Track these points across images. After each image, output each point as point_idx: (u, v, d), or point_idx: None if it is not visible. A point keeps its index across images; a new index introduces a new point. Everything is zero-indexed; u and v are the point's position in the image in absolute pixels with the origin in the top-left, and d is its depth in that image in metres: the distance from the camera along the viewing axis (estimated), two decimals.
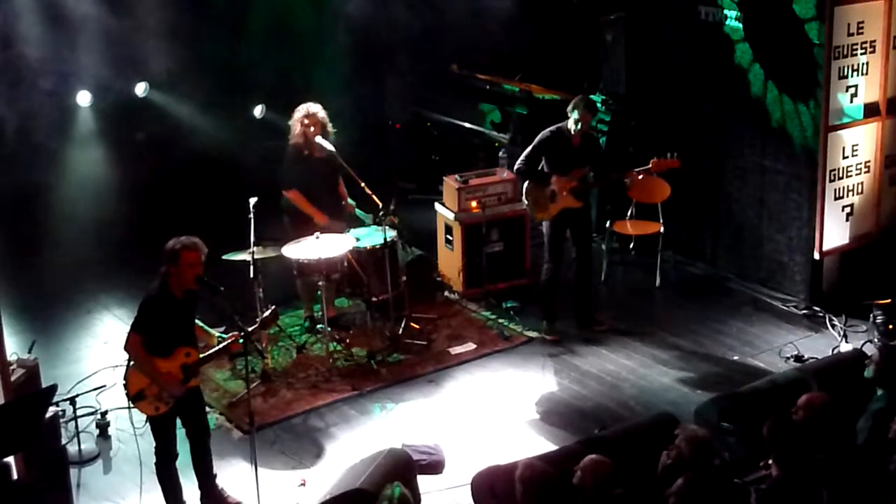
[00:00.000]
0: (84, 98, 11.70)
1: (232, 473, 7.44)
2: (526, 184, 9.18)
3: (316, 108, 8.99)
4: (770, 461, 5.66)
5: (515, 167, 9.26)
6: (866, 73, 9.36)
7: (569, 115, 8.91)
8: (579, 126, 8.86)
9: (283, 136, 9.21)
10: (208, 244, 6.78)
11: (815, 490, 5.45)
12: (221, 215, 9.63)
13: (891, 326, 8.58)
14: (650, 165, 9.08)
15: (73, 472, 7.25)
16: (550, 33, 12.08)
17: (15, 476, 6.56)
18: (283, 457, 7.74)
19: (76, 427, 7.59)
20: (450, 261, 10.25)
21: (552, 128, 9.04)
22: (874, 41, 9.30)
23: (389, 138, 12.94)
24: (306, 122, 8.93)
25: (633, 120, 10.90)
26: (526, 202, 9.24)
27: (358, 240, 9.09)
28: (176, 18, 11.44)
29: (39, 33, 10.95)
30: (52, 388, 6.47)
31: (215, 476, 7.17)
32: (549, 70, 11.96)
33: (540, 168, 9.04)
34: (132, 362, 6.69)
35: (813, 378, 7.01)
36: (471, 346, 9.22)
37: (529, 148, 9.11)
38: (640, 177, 9.16)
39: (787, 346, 9.05)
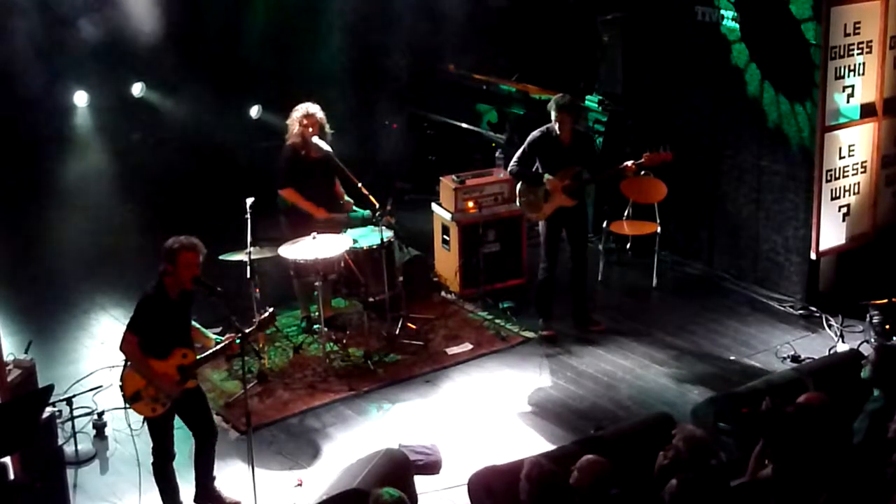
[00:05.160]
0: (81, 98, 11.71)
1: (229, 474, 7.44)
2: (519, 184, 9.20)
3: (314, 109, 8.99)
4: (766, 461, 5.67)
5: (508, 168, 9.28)
6: (863, 74, 9.37)
7: (549, 115, 8.95)
8: (559, 127, 8.88)
9: (280, 137, 9.21)
10: (205, 244, 6.77)
11: (812, 490, 5.45)
12: (218, 215, 9.64)
13: (887, 326, 8.59)
14: (643, 159, 9.07)
15: (69, 472, 7.25)
16: (547, 33, 12.10)
17: (11, 476, 6.54)
18: (280, 457, 7.74)
19: (73, 427, 7.59)
20: (446, 261, 10.25)
21: (541, 128, 9.06)
22: (871, 41, 9.32)
23: (386, 138, 12.94)
24: (304, 122, 8.92)
25: (629, 120, 10.90)
26: (520, 203, 9.25)
27: (355, 241, 9.08)
28: (172, 19, 11.45)
29: (36, 33, 10.97)
30: (49, 389, 6.45)
31: (214, 478, 7.16)
32: (546, 70, 11.98)
33: (535, 168, 9.06)
34: (128, 363, 6.70)
35: (809, 378, 7.01)
36: (467, 346, 9.22)
37: (521, 149, 9.14)
38: (633, 168, 9.07)
39: (784, 347, 9.05)
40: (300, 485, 7.41)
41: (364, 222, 9.35)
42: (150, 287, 6.69)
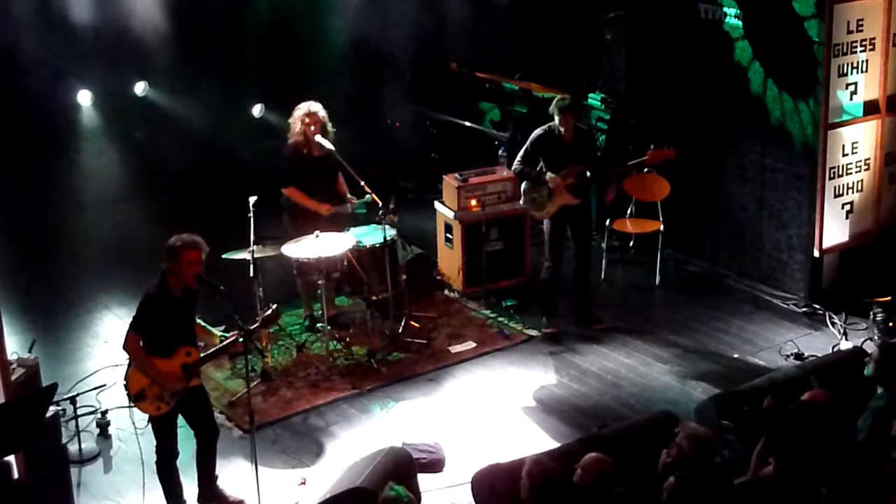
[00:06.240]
0: (84, 97, 11.73)
1: (232, 472, 7.44)
2: (523, 183, 9.19)
3: (316, 107, 8.98)
4: (768, 458, 5.67)
5: (512, 168, 9.28)
6: (866, 71, 9.36)
7: (552, 116, 8.96)
8: (563, 128, 8.89)
9: (283, 135, 9.22)
10: (208, 243, 6.78)
11: (814, 487, 5.45)
12: (221, 214, 9.65)
13: (891, 324, 8.57)
14: (646, 157, 9.09)
15: (73, 471, 7.25)
16: (550, 31, 12.09)
17: (15, 475, 6.56)
18: (284, 456, 7.74)
19: (76, 426, 7.58)
20: (450, 259, 10.25)
21: (543, 127, 9.06)
22: (874, 39, 9.30)
23: (389, 137, 12.94)
24: (307, 120, 8.92)
25: (632, 118, 10.90)
26: (524, 202, 9.25)
27: (358, 239, 9.08)
28: (175, 17, 11.47)
29: (40, 32, 10.98)
30: (53, 387, 6.47)
31: (217, 477, 7.17)
32: (549, 68, 11.97)
33: (538, 167, 9.06)
34: (132, 362, 6.70)
35: (813, 376, 6.99)
36: (471, 344, 9.22)
37: (524, 148, 9.14)
38: (645, 170, 9.12)
39: (787, 344, 9.05)
40: (304, 483, 7.42)
41: (367, 216, 9.33)
42: (151, 286, 6.70)
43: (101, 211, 11.72)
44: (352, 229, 9.28)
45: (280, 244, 8.72)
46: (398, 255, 9.41)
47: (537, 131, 9.07)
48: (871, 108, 9.47)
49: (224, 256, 8.53)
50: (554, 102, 8.97)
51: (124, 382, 6.74)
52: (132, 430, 6.97)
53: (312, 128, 8.91)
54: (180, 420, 6.92)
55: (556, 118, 8.90)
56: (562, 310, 9.45)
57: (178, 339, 6.73)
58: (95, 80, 11.73)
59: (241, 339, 6.77)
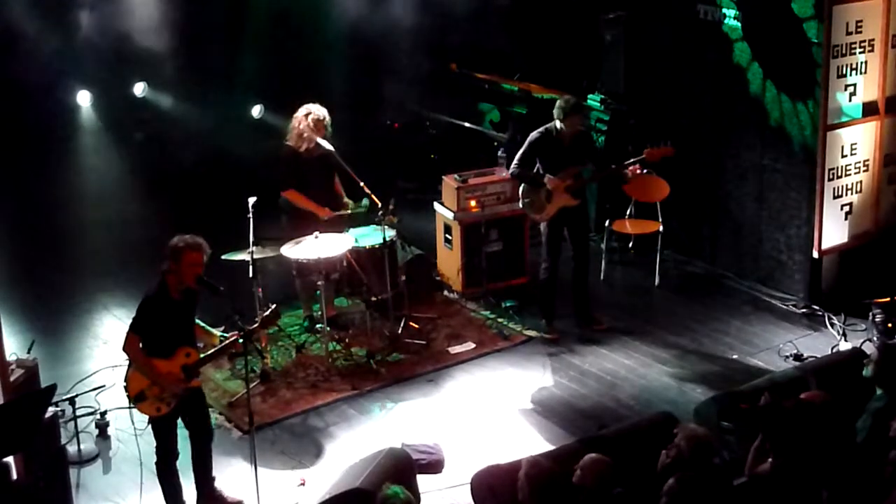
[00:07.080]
0: (84, 97, 11.73)
1: (231, 473, 7.45)
2: (522, 186, 9.19)
3: (316, 108, 8.98)
4: (765, 455, 5.68)
5: (510, 171, 9.27)
6: (865, 72, 9.35)
7: (555, 118, 8.93)
8: (566, 129, 8.87)
9: (282, 136, 9.21)
10: (207, 243, 6.77)
11: (811, 486, 5.45)
12: (220, 215, 9.64)
13: (890, 325, 8.58)
14: (644, 155, 9.08)
15: (72, 472, 7.25)
16: (549, 32, 12.09)
17: (14, 476, 6.56)
18: (283, 456, 7.74)
19: (75, 427, 7.59)
20: (449, 260, 10.25)
21: (541, 129, 9.04)
22: (873, 40, 9.30)
23: (388, 137, 12.94)
24: (306, 122, 8.92)
25: (631, 119, 10.90)
26: (523, 205, 9.25)
27: (357, 240, 9.08)
28: (175, 18, 11.47)
29: (40, 32, 10.98)
30: (52, 388, 6.48)
31: (214, 478, 7.17)
32: (548, 69, 11.97)
33: (535, 169, 9.05)
34: (132, 363, 6.70)
35: (812, 377, 7.01)
36: (470, 345, 9.23)
37: (521, 150, 9.12)
38: (640, 170, 9.11)
39: (787, 345, 9.06)
40: (303, 484, 7.42)
41: (366, 217, 9.33)
42: (151, 287, 6.70)
43: (101, 212, 11.71)
44: (351, 230, 9.28)
45: (279, 245, 8.72)
46: (398, 256, 9.42)
47: (534, 134, 9.06)
48: (869, 110, 9.46)
49: (223, 257, 8.52)
50: (562, 103, 8.92)
51: (124, 383, 6.74)
52: (131, 430, 6.97)
53: (312, 129, 8.91)
54: (179, 421, 6.92)
55: (563, 119, 8.86)
56: (561, 310, 9.45)
57: (178, 339, 6.73)
58: (95, 81, 11.72)
59: (240, 340, 6.77)
